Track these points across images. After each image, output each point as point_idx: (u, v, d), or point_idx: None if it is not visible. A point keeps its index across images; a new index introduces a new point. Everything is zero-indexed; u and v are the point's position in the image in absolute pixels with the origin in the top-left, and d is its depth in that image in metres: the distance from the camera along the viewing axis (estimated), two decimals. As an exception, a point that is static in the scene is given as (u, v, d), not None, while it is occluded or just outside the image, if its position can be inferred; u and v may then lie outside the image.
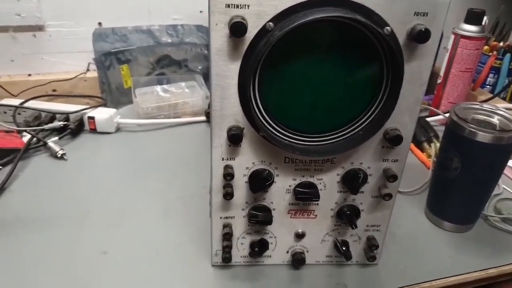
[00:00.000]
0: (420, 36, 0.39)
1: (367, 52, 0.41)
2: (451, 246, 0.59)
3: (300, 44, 0.40)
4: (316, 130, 0.45)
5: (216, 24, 0.38)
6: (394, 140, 0.44)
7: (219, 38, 0.39)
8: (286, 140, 0.45)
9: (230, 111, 0.43)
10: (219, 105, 0.42)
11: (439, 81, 0.94)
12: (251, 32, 0.38)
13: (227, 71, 0.40)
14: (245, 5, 0.38)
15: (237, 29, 0.37)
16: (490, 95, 0.93)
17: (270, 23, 0.38)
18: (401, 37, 0.40)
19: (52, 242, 0.56)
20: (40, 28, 0.92)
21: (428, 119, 0.89)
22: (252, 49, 0.39)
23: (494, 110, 0.58)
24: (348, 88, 0.43)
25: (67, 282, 0.50)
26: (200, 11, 1.00)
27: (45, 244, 0.56)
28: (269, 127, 0.44)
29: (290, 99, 0.43)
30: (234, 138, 0.43)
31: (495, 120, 0.57)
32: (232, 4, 0.38)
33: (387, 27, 0.39)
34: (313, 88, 0.43)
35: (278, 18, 0.38)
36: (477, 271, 0.54)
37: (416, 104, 0.44)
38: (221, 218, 0.50)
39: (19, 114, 0.84)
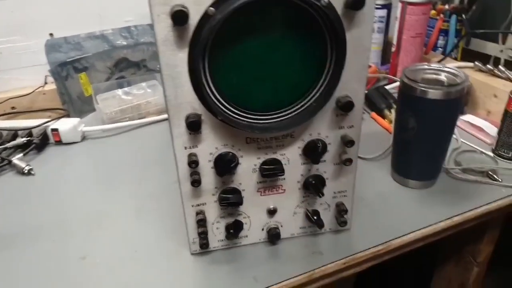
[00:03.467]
0: (355, 3, 0.40)
1: (309, 26, 0.42)
2: (418, 201, 0.62)
3: (244, 25, 0.41)
4: (272, 108, 0.46)
5: (158, 15, 0.39)
6: (345, 106, 0.46)
7: (163, 29, 0.40)
8: (244, 121, 0.46)
9: (185, 99, 0.44)
10: (173, 95, 0.43)
11: (393, 49, 0.97)
12: (194, 19, 0.39)
13: (176, 60, 0.41)
14: (183, -7, 0.38)
15: (178, 17, 0.38)
16: (442, 57, 0.97)
17: (211, 8, 0.39)
18: (339, 7, 0.41)
19: (30, 255, 0.56)
20: (-10, 46, 0.90)
21: (387, 87, 0.92)
22: (197, 35, 0.40)
23: (441, 68, 0.61)
24: (295, 63, 0.44)
25: (49, 292, 0.51)
26: (151, 10, 1.00)
27: (23, 258, 0.56)
28: (226, 110, 0.45)
29: (241, 80, 0.44)
30: (193, 125, 0.44)
31: (443, 77, 0.60)
32: (170, -6, 0.38)
33: (324, -1, 0.40)
34: (261, 67, 0.44)
35: (219, 2, 0.39)
36: (443, 220, 0.57)
37: (362, 70, 0.46)
38: (193, 206, 0.51)
39: (-21, 136, 0.82)
